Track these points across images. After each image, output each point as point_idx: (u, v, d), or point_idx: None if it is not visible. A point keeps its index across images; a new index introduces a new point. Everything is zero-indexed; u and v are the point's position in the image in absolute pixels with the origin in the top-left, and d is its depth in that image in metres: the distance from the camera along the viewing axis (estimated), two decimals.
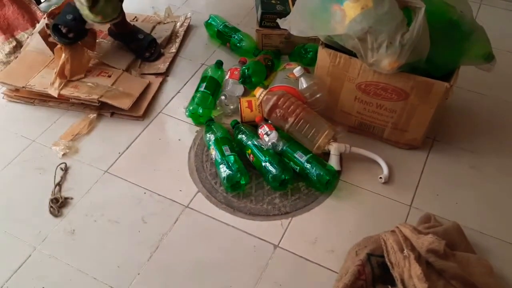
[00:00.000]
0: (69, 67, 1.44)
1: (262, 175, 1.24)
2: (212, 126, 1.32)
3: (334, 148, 1.24)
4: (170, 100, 1.50)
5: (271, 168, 1.19)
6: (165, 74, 1.58)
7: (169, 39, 1.70)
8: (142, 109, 1.44)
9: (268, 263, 1.09)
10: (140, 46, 1.60)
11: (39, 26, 1.64)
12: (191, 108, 1.38)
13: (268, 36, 1.60)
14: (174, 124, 1.42)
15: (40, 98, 1.47)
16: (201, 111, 1.37)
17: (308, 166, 1.20)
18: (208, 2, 1.97)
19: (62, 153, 1.32)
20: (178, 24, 1.76)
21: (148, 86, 1.50)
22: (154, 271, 1.08)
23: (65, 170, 1.29)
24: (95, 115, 1.42)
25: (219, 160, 1.23)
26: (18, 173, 1.29)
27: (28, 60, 1.55)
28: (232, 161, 1.21)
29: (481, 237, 1.13)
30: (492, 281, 0.99)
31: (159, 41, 1.65)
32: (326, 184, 1.20)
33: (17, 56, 1.59)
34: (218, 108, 1.43)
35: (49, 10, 1.47)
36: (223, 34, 1.67)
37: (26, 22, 1.68)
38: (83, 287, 1.06)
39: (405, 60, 1.08)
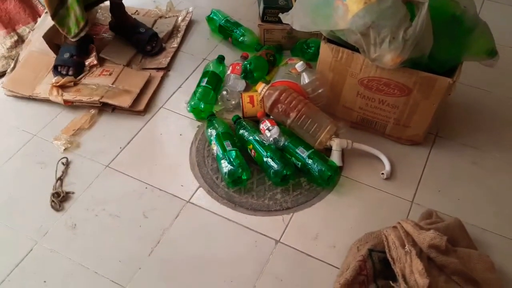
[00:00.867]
0: (66, 80, 1.45)
1: (264, 170, 1.23)
2: (214, 121, 1.32)
3: (336, 144, 1.24)
4: (172, 95, 1.49)
5: (272, 163, 1.19)
6: (167, 68, 1.58)
7: (171, 34, 1.69)
8: (143, 104, 1.43)
9: (269, 258, 1.09)
10: (141, 40, 1.59)
11: (40, 21, 1.64)
12: (192, 103, 1.38)
13: (270, 31, 1.60)
14: (176, 119, 1.42)
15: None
16: (202, 106, 1.37)
17: (310, 161, 1.20)
18: None
19: (64, 147, 1.32)
20: (180, 18, 1.75)
21: (149, 80, 1.50)
22: (155, 266, 1.08)
23: (67, 164, 1.29)
24: (96, 110, 1.42)
25: (221, 155, 1.22)
26: (19, 167, 1.29)
27: (32, 63, 1.54)
28: (233, 156, 1.21)
29: (483, 233, 1.13)
30: (493, 277, 1.00)
31: (160, 35, 1.65)
32: (328, 179, 1.19)
33: (19, 52, 1.58)
34: (219, 103, 1.43)
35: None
36: (225, 29, 1.66)
37: (27, 16, 1.67)
38: (84, 281, 1.06)
39: (407, 55, 1.08)
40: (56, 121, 1.41)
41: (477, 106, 1.46)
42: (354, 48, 1.17)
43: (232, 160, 1.20)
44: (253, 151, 1.25)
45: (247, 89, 1.47)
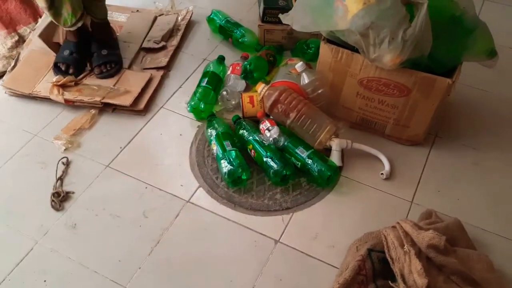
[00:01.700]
0: (66, 80, 1.45)
1: (264, 170, 1.24)
2: (214, 121, 1.32)
3: (335, 144, 1.24)
4: (172, 95, 1.50)
5: (272, 163, 1.19)
6: (167, 68, 1.58)
7: (171, 32, 1.69)
8: (143, 103, 1.44)
9: (269, 258, 1.09)
10: (95, 60, 1.51)
11: (41, 21, 1.65)
12: (192, 103, 1.38)
13: (270, 32, 1.60)
14: (176, 119, 1.42)
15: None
16: (202, 106, 1.37)
17: (310, 161, 1.20)
18: None
19: (64, 147, 1.32)
20: (180, 17, 1.75)
21: (149, 80, 1.50)
22: (155, 266, 1.08)
23: (67, 164, 1.29)
24: (96, 110, 1.43)
25: (221, 155, 1.23)
26: (20, 167, 1.29)
27: (33, 61, 1.55)
28: (233, 156, 1.21)
29: (482, 234, 1.13)
30: (492, 277, 1.00)
31: (161, 33, 1.64)
32: (328, 179, 1.20)
33: (19, 52, 1.59)
34: (219, 103, 1.43)
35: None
36: (225, 29, 1.66)
37: (28, 16, 1.68)
38: (84, 280, 1.06)
39: (407, 55, 1.08)
40: (57, 121, 1.41)
41: (477, 106, 1.46)
42: (353, 49, 1.18)
43: (232, 160, 1.20)
44: (253, 151, 1.25)
45: (247, 89, 1.47)
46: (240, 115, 1.37)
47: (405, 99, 1.22)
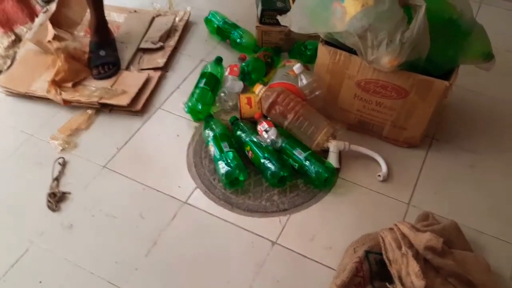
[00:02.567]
0: (63, 75, 1.44)
1: (261, 171, 1.24)
2: (211, 122, 1.32)
3: (333, 146, 1.24)
4: (169, 96, 1.49)
5: (269, 164, 1.19)
6: (165, 69, 1.58)
7: (169, 33, 1.69)
8: (140, 103, 1.43)
9: (266, 260, 1.09)
10: (92, 61, 1.52)
11: (37, 21, 1.64)
12: (190, 104, 1.38)
13: (268, 33, 1.60)
14: (173, 120, 1.42)
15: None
16: (200, 107, 1.37)
17: (307, 163, 1.20)
18: None
19: (61, 147, 1.31)
20: (178, 18, 1.75)
21: (147, 80, 1.50)
22: (152, 267, 1.08)
23: (63, 164, 1.28)
24: (93, 110, 1.42)
25: (218, 157, 1.22)
26: (16, 167, 1.29)
27: (29, 61, 1.54)
28: (230, 158, 1.21)
29: (479, 236, 1.13)
30: (489, 278, 1.00)
31: (158, 34, 1.64)
32: (325, 181, 1.20)
33: (16, 51, 1.58)
34: (217, 104, 1.43)
35: None
36: (223, 31, 1.66)
37: (25, 16, 1.67)
38: (80, 282, 1.05)
39: (405, 58, 1.09)
40: (53, 121, 1.40)
41: (474, 109, 1.47)
42: (351, 51, 1.18)
43: (229, 161, 1.20)
44: (250, 152, 1.25)
45: (244, 90, 1.47)
46: (238, 116, 1.37)
47: (402, 101, 1.22)
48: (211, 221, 1.16)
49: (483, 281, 0.98)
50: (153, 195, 1.22)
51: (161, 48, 1.63)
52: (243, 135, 1.28)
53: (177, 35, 1.68)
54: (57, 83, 1.43)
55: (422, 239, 0.96)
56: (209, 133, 1.29)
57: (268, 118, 1.31)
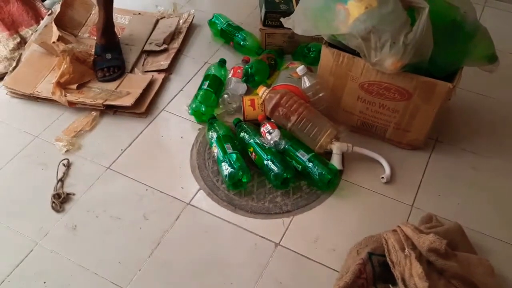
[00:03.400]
0: (67, 77, 1.45)
1: (264, 173, 1.24)
2: (215, 124, 1.32)
3: (336, 147, 1.24)
4: (173, 98, 1.50)
5: (273, 166, 1.20)
6: (169, 71, 1.58)
7: (173, 36, 1.70)
8: (144, 105, 1.44)
9: (269, 261, 1.09)
10: (97, 64, 1.53)
11: (43, 23, 1.65)
12: (193, 106, 1.39)
13: (271, 35, 1.60)
14: (177, 122, 1.43)
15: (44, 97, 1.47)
16: (203, 109, 1.38)
17: (310, 165, 1.20)
18: (212, 1, 1.98)
19: (65, 149, 1.32)
20: (181, 20, 1.76)
21: (151, 82, 1.51)
22: (155, 268, 1.08)
23: (68, 166, 1.29)
24: (98, 112, 1.43)
25: (221, 158, 1.23)
26: (20, 168, 1.29)
27: (34, 62, 1.55)
28: (234, 159, 1.21)
29: (482, 238, 1.13)
30: (493, 281, 1.00)
31: (163, 36, 1.65)
32: (328, 183, 1.20)
33: (21, 53, 1.59)
34: (220, 106, 1.44)
35: None
36: (227, 33, 1.67)
37: (30, 18, 1.68)
38: (84, 282, 1.06)
39: (408, 60, 1.09)
40: (58, 122, 1.41)
41: (477, 111, 1.46)
42: (355, 53, 1.18)
43: (232, 162, 1.20)
44: (253, 154, 1.25)
45: (248, 92, 1.48)
46: (241, 118, 1.37)
47: (405, 103, 1.22)
48: (214, 223, 1.17)
49: (487, 283, 0.98)
50: (157, 196, 1.22)
51: (165, 50, 1.63)
52: (246, 136, 1.29)
53: (181, 37, 1.69)
54: (62, 85, 1.44)
55: (426, 241, 0.96)
56: (213, 135, 1.29)
57: (272, 120, 1.31)
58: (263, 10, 1.59)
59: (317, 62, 1.31)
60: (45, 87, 1.46)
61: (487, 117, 1.45)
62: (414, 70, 1.15)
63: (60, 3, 1.65)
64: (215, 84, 1.43)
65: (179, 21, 1.75)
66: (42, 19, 1.69)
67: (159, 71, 1.57)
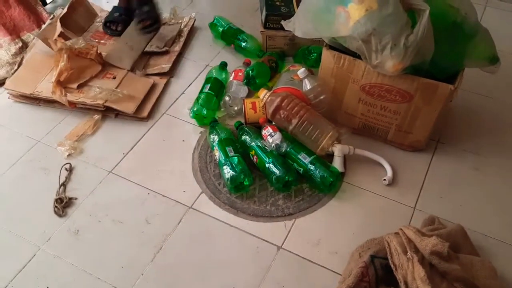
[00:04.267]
0: (67, 75, 1.45)
1: (266, 176, 1.24)
2: (216, 127, 1.32)
3: (338, 150, 1.24)
4: (175, 101, 1.50)
5: (274, 169, 1.20)
6: (170, 75, 1.59)
7: (174, 39, 1.70)
8: (146, 110, 1.44)
9: (271, 264, 1.09)
10: (138, 16, 1.61)
11: (44, 28, 1.66)
12: (195, 109, 1.39)
13: (272, 38, 1.61)
14: (178, 125, 1.43)
15: (45, 99, 1.47)
16: (205, 112, 1.38)
17: (312, 167, 1.20)
18: (213, 4, 1.98)
19: (67, 153, 1.32)
20: (183, 24, 1.76)
21: (152, 87, 1.51)
22: (158, 272, 1.08)
23: (70, 170, 1.29)
24: (99, 116, 1.43)
25: (223, 161, 1.23)
26: (23, 173, 1.30)
27: (35, 63, 1.55)
28: (235, 162, 1.21)
29: (485, 240, 1.13)
30: (496, 283, 0.99)
31: (165, 41, 1.65)
32: (330, 185, 1.20)
33: (23, 57, 1.60)
34: (222, 109, 1.44)
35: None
36: (228, 36, 1.67)
37: (32, 23, 1.69)
38: (87, 287, 1.06)
39: (409, 62, 1.08)
40: (60, 127, 1.42)
41: (479, 112, 1.46)
42: (355, 55, 1.18)
43: (234, 166, 1.20)
44: (255, 157, 1.25)
45: (249, 95, 1.48)
46: (243, 121, 1.37)
47: (407, 105, 1.22)
48: (217, 226, 1.17)
49: (490, 286, 0.97)
50: (159, 200, 1.22)
51: (166, 53, 1.64)
52: (248, 139, 1.29)
53: (182, 40, 1.69)
54: (62, 84, 1.44)
55: (428, 244, 0.96)
56: (214, 138, 1.29)
57: (273, 123, 1.31)
58: (264, 13, 1.59)
59: (318, 64, 1.31)
60: (45, 87, 1.46)
61: (489, 118, 1.44)
62: (415, 72, 1.15)
63: (67, 5, 1.66)
64: (216, 87, 1.44)
65: (180, 25, 1.75)
66: (44, 23, 1.69)
67: (160, 74, 1.57)
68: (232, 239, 1.14)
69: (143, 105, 1.45)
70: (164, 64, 1.60)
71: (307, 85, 1.32)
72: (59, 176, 1.27)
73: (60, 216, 1.19)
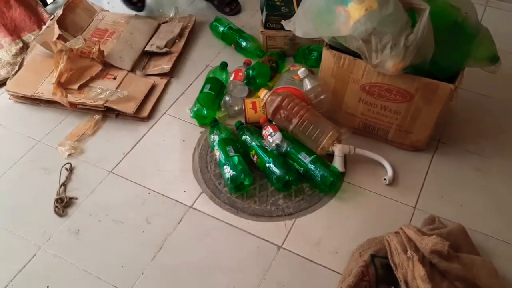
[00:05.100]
0: (67, 76, 1.45)
1: (266, 176, 1.24)
2: (216, 127, 1.32)
3: (338, 150, 1.24)
4: (175, 101, 1.50)
5: (275, 169, 1.20)
6: (170, 75, 1.59)
7: (174, 39, 1.70)
8: (147, 111, 1.44)
9: (271, 264, 1.09)
10: (223, 1, 1.77)
11: (45, 28, 1.66)
12: (195, 109, 1.39)
13: (272, 38, 1.61)
14: (179, 125, 1.43)
15: (46, 100, 1.47)
16: (205, 112, 1.38)
17: (312, 167, 1.20)
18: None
19: (68, 153, 1.33)
20: (184, 25, 1.76)
21: (152, 87, 1.51)
22: (158, 271, 1.08)
23: (70, 170, 1.29)
24: (100, 116, 1.43)
25: (223, 161, 1.23)
26: (23, 173, 1.30)
27: (35, 65, 1.56)
28: (236, 162, 1.21)
29: (486, 239, 1.13)
30: (496, 283, 0.99)
31: (164, 41, 1.65)
32: (330, 185, 1.20)
33: (23, 57, 1.60)
34: (222, 109, 1.44)
35: None
36: (228, 36, 1.67)
37: (32, 23, 1.69)
38: (87, 286, 1.06)
39: (409, 61, 1.08)
40: (61, 127, 1.42)
41: (480, 112, 1.46)
42: (356, 55, 1.18)
43: (234, 165, 1.21)
44: (255, 156, 1.25)
45: (249, 95, 1.48)
46: (243, 121, 1.37)
47: (407, 104, 1.22)
48: (217, 226, 1.17)
49: (490, 285, 0.97)
50: (159, 200, 1.22)
51: (166, 54, 1.64)
52: (248, 139, 1.29)
53: (182, 41, 1.69)
54: (62, 85, 1.44)
55: (428, 243, 0.96)
56: (215, 138, 1.29)
57: (273, 123, 1.31)
58: (264, 13, 1.59)
59: (318, 64, 1.31)
60: (46, 88, 1.46)
61: (490, 117, 1.44)
62: (415, 71, 1.15)
63: (63, 7, 1.66)
64: (216, 87, 1.44)
65: (181, 26, 1.75)
66: (44, 24, 1.69)
67: (161, 75, 1.57)
68: (232, 239, 1.14)
69: (144, 105, 1.45)
70: (164, 64, 1.60)
71: (308, 85, 1.32)
72: (60, 176, 1.27)
73: (60, 216, 1.19)
